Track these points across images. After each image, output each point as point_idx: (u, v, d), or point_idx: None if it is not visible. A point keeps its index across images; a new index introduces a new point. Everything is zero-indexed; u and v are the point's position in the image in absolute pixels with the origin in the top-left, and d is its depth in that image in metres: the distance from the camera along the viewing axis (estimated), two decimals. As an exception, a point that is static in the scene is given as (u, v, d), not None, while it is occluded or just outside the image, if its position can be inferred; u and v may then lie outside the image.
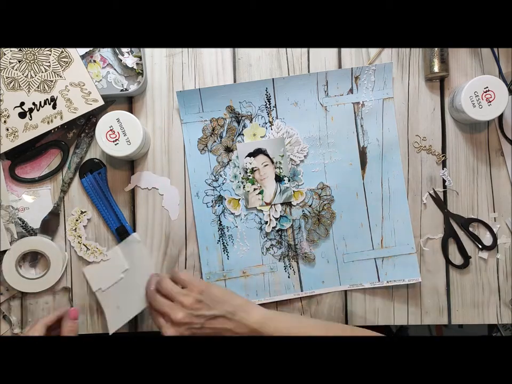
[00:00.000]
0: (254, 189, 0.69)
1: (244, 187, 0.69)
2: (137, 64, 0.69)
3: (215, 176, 0.69)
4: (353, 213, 0.69)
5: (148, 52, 0.69)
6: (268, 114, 0.69)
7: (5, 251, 0.67)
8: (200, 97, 0.68)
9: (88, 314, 0.70)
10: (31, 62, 0.65)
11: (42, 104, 0.66)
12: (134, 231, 0.69)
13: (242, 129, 0.69)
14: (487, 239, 0.69)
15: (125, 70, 0.69)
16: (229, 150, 0.69)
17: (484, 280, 0.70)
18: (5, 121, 0.65)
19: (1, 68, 0.65)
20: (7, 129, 0.66)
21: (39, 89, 0.65)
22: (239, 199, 0.69)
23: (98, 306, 0.69)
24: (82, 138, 0.69)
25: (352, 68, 0.68)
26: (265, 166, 0.69)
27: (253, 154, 0.69)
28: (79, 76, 0.66)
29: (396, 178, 0.69)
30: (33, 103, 0.66)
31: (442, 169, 0.70)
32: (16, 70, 0.65)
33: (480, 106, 0.64)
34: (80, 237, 0.69)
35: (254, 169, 0.69)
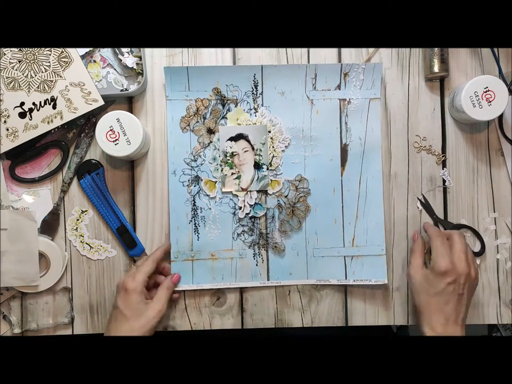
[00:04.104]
0: (232, 173, 0.69)
1: (222, 170, 0.69)
2: (137, 64, 0.69)
3: (194, 156, 0.69)
4: (328, 208, 0.69)
5: (148, 52, 0.69)
6: (253, 101, 0.69)
7: (5, 251, 0.67)
8: (187, 76, 0.68)
9: (88, 314, 0.69)
10: (31, 62, 0.65)
11: (42, 104, 0.66)
12: (134, 231, 0.69)
13: (227, 113, 0.69)
14: (477, 245, 0.69)
15: (125, 70, 0.69)
16: (211, 131, 0.69)
17: (483, 280, 0.70)
18: (5, 121, 0.65)
19: (1, 68, 0.65)
20: (7, 129, 0.66)
21: (39, 89, 0.65)
22: (216, 182, 0.69)
23: (99, 306, 0.69)
24: (82, 138, 0.69)
25: (342, 64, 0.68)
26: (245, 151, 0.69)
27: (235, 138, 0.69)
28: (79, 76, 0.66)
29: (374, 179, 0.69)
30: (33, 103, 0.66)
31: (442, 169, 0.70)
32: (16, 70, 0.65)
33: (480, 106, 0.64)
34: (82, 236, 0.69)
35: (234, 153, 0.69)
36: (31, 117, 0.66)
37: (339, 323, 0.70)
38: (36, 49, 0.65)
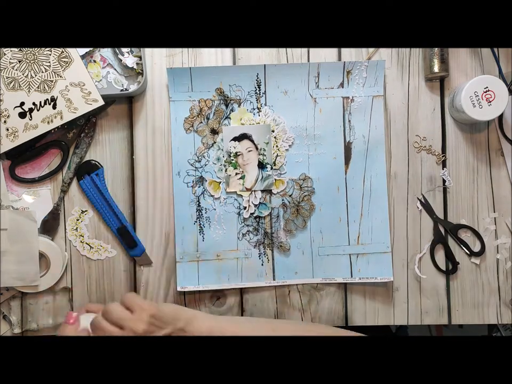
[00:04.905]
0: (236, 173, 0.69)
1: (226, 170, 0.69)
2: (137, 64, 0.69)
3: (198, 157, 0.69)
4: (333, 207, 0.69)
5: (148, 52, 0.69)
6: (256, 100, 0.69)
7: (5, 251, 0.67)
8: (190, 76, 0.68)
9: (88, 314, 0.69)
10: (31, 62, 0.65)
11: (42, 104, 0.66)
12: (134, 231, 0.69)
13: (230, 113, 0.69)
14: (477, 245, 0.69)
15: (125, 70, 0.69)
16: (214, 132, 0.69)
17: (484, 280, 0.70)
18: (5, 121, 0.65)
19: (2, 68, 0.65)
20: (7, 129, 0.66)
21: (39, 89, 0.65)
22: (220, 182, 0.69)
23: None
24: (82, 138, 0.69)
25: (344, 62, 0.68)
26: (249, 151, 0.69)
27: (238, 138, 0.69)
28: (79, 76, 0.65)
29: (378, 176, 0.69)
30: (33, 103, 0.65)
31: (442, 169, 0.70)
32: (16, 70, 0.65)
33: (480, 106, 0.64)
34: (82, 236, 0.69)
35: (238, 153, 0.69)
36: (31, 117, 0.66)
37: (339, 323, 0.70)
38: (36, 49, 0.65)
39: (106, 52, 0.69)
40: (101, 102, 0.66)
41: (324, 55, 0.70)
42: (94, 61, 0.69)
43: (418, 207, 0.70)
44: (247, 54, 0.70)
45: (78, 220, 0.69)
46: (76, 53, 0.65)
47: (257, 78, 0.69)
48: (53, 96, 0.66)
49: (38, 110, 0.66)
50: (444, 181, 0.70)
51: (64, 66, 0.65)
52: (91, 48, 0.68)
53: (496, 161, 0.70)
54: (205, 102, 0.69)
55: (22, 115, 0.65)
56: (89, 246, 0.69)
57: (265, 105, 0.69)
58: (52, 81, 0.65)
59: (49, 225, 0.69)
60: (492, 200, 0.70)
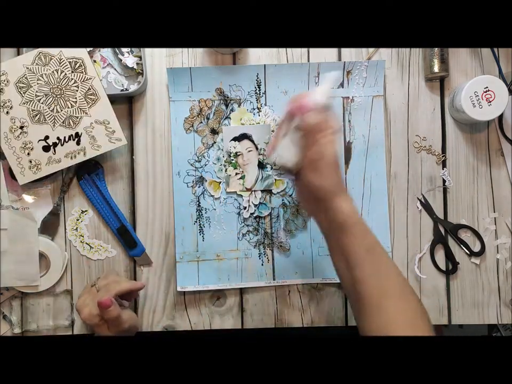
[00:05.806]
0: (236, 173, 0.69)
1: (226, 170, 0.69)
2: (137, 64, 0.69)
3: (198, 157, 0.69)
4: None
5: (148, 52, 0.69)
6: (256, 100, 0.69)
7: (5, 251, 0.67)
8: (190, 76, 0.68)
9: (88, 314, 0.69)
10: (58, 96, 0.64)
11: (66, 140, 0.65)
12: (134, 231, 0.69)
13: (230, 113, 0.69)
14: (477, 245, 0.69)
15: (125, 70, 0.69)
16: (214, 132, 0.69)
17: (484, 280, 0.70)
18: (28, 153, 0.65)
19: (27, 100, 0.64)
20: (30, 161, 0.65)
21: (64, 125, 0.65)
22: (220, 182, 0.69)
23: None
24: (82, 138, 0.69)
25: (344, 62, 0.68)
26: (249, 151, 0.69)
27: (238, 138, 0.69)
28: (104, 114, 0.65)
29: (378, 176, 0.69)
30: (58, 138, 0.65)
31: (442, 169, 0.70)
32: (42, 103, 0.64)
33: (480, 106, 0.64)
34: (82, 236, 0.69)
35: (238, 153, 0.69)
36: (54, 151, 0.65)
37: (339, 323, 0.70)
38: (63, 84, 0.64)
39: (107, 52, 0.69)
40: (124, 142, 0.65)
41: (324, 55, 0.70)
42: (94, 61, 0.69)
43: (418, 207, 0.70)
44: (247, 54, 0.70)
45: (78, 220, 0.69)
46: (103, 91, 0.65)
47: (257, 78, 0.69)
48: (78, 132, 0.65)
49: (62, 145, 0.65)
50: (444, 181, 0.70)
51: (91, 104, 0.64)
52: (91, 48, 0.68)
53: (496, 161, 0.70)
54: (205, 102, 0.69)
55: (46, 149, 0.65)
56: (89, 246, 0.69)
57: (265, 105, 0.69)
58: (77, 117, 0.65)
59: (49, 225, 0.69)
60: (492, 200, 0.70)
